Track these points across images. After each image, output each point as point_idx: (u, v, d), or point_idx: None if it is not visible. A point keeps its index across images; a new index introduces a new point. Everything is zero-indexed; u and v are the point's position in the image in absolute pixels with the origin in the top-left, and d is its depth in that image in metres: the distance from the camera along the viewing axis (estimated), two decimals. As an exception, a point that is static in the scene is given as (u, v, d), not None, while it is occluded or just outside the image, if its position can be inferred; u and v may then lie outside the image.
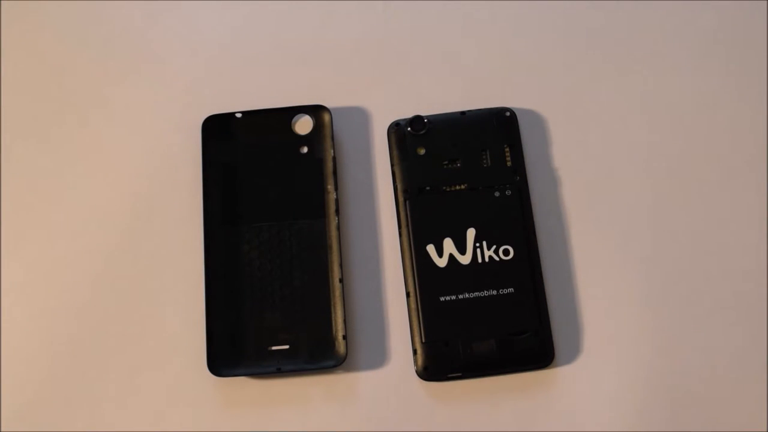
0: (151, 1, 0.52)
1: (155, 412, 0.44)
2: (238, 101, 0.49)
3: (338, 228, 0.45)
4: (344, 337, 0.44)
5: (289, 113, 0.48)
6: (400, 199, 0.46)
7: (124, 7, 0.52)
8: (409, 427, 0.43)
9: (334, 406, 0.44)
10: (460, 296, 0.44)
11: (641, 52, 0.50)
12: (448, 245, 0.45)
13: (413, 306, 0.44)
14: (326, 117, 0.48)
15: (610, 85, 0.49)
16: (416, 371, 0.43)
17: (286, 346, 0.44)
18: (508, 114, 0.48)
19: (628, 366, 0.44)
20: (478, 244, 0.45)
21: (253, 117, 0.48)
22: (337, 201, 0.46)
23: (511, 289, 0.44)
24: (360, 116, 0.49)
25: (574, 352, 0.44)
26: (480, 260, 0.44)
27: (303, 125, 0.48)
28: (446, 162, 0.47)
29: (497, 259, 0.45)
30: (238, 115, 0.48)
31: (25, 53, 0.51)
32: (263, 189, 0.47)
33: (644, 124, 0.48)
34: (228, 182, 0.47)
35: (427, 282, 0.44)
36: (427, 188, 0.46)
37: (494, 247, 0.45)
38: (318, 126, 0.48)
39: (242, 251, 0.45)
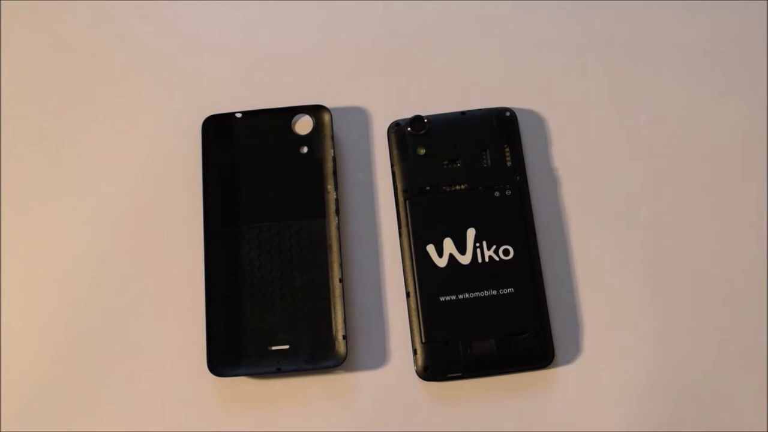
0: (152, 2, 0.52)
1: (155, 412, 0.44)
2: (238, 101, 0.49)
3: (338, 228, 0.45)
4: (344, 337, 0.44)
5: (289, 113, 0.48)
6: (400, 199, 0.46)
7: (124, 7, 0.52)
8: (409, 427, 0.43)
9: (334, 406, 0.44)
10: (460, 296, 0.44)
11: (641, 52, 0.50)
12: (448, 245, 0.45)
13: (413, 306, 0.44)
14: (326, 117, 0.48)
15: (610, 85, 0.49)
16: (416, 371, 0.43)
17: (286, 346, 0.44)
18: (508, 114, 0.48)
19: (628, 366, 0.44)
20: (478, 244, 0.45)
21: (253, 117, 0.48)
22: (337, 201, 0.46)
23: (511, 289, 0.44)
24: (360, 116, 0.49)
25: (574, 352, 0.44)
26: (480, 260, 0.44)
27: (303, 125, 0.48)
28: (446, 162, 0.47)
29: (497, 259, 0.45)
30: (238, 115, 0.48)
31: (25, 53, 0.51)
32: (263, 189, 0.47)
33: (644, 124, 0.48)
34: (228, 182, 0.47)
35: (427, 282, 0.44)
36: (427, 188, 0.46)
37: (494, 247, 0.45)
38: (318, 126, 0.48)
39: (242, 251, 0.45)
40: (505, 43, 0.50)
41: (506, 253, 0.45)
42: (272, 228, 0.46)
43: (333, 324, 0.44)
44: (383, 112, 0.49)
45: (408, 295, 0.44)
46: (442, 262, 0.45)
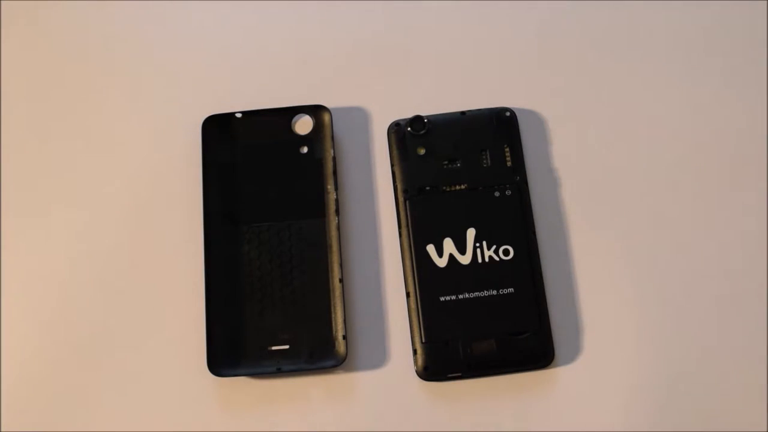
0: (152, 1, 0.52)
1: (155, 412, 0.44)
2: (238, 101, 0.49)
3: (338, 228, 0.45)
4: (344, 337, 0.44)
5: (289, 113, 0.48)
6: (400, 199, 0.46)
7: (124, 7, 0.52)
8: (409, 427, 0.43)
9: (334, 406, 0.44)
10: (460, 296, 0.44)
11: (641, 52, 0.50)
12: (448, 245, 0.45)
13: (413, 306, 0.44)
14: (326, 117, 0.48)
15: (610, 85, 0.49)
16: (416, 371, 0.43)
17: (286, 346, 0.44)
18: (508, 114, 0.48)
19: (629, 366, 0.44)
20: (478, 244, 0.45)
21: (253, 117, 0.48)
22: (337, 201, 0.46)
23: (511, 289, 0.44)
24: (360, 116, 0.49)
25: (574, 352, 0.44)
26: (480, 260, 0.44)
27: (303, 125, 0.48)
28: (446, 162, 0.47)
29: (497, 259, 0.45)
30: (238, 115, 0.48)
31: (25, 54, 0.51)
32: (263, 189, 0.47)
33: (644, 124, 0.48)
34: (228, 182, 0.47)
35: (427, 282, 0.44)
36: (427, 188, 0.46)
37: (494, 247, 0.45)
38: (318, 126, 0.48)
39: (242, 251, 0.45)
40: (505, 43, 0.50)
41: (506, 253, 0.45)
42: (272, 228, 0.46)
43: (333, 324, 0.44)
44: (383, 112, 0.49)
45: (408, 295, 0.44)
46: (442, 262, 0.45)
